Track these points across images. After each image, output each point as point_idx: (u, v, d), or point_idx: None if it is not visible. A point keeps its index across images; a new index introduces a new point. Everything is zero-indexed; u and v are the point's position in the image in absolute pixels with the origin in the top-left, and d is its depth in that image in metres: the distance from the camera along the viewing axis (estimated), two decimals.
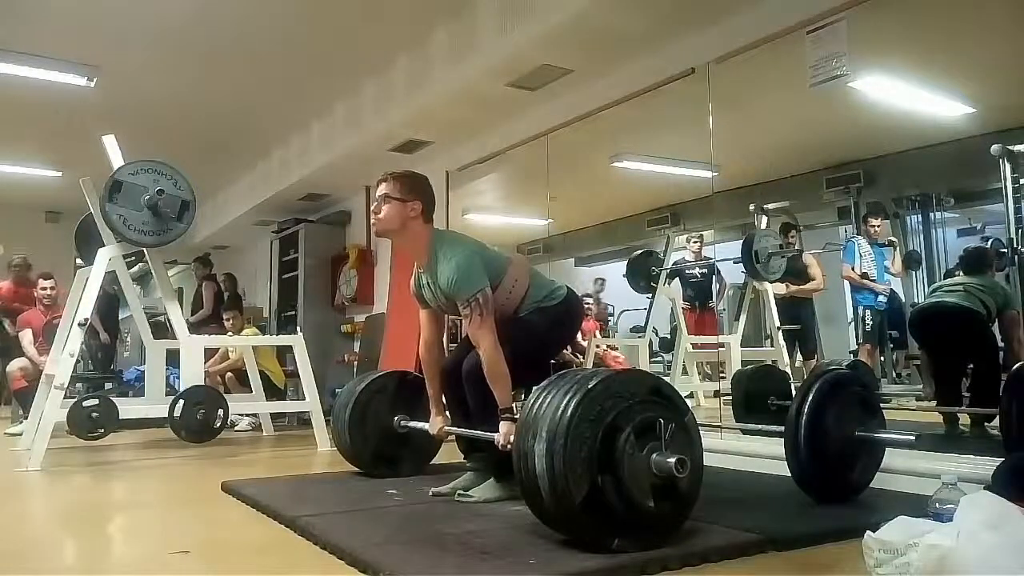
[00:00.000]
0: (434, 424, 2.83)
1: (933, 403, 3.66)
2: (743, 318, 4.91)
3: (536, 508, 1.94)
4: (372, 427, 3.10)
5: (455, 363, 2.68)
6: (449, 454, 3.35)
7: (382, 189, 2.61)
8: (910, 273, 4.43)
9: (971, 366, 3.47)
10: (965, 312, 3.35)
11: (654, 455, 1.87)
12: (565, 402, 1.86)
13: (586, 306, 6.13)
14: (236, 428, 5.62)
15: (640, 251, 5.90)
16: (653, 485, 1.86)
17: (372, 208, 2.64)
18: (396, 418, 3.11)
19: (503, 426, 2.40)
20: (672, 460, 1.84)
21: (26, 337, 5.93)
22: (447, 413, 2.83)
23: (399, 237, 2.63)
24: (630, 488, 1.83)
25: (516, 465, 1.95)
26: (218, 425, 4.30)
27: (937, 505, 1.75)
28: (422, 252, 2.61)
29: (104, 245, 4.19)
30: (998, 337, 3.39)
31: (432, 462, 3.29)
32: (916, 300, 4.33)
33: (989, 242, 3.77)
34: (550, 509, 1.87)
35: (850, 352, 4.53)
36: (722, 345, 4.96)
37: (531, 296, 2.62)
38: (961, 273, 3.65)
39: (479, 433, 2.56)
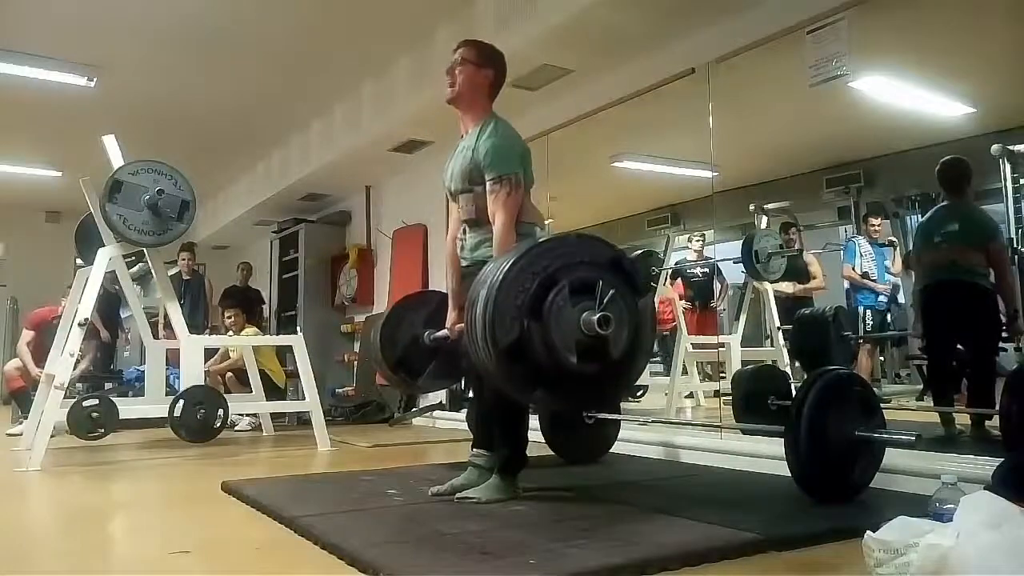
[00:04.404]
0: (450, 318, 2.78)
1: (931, 402, 3.65)
2: (743, 318, 4.90)
3: (475, 356, 1.97)
4: (403, 335, 3.19)
5: None
6: (450, 454, 3.36)
7: (459, 54, 2.60)
8: (910, 273, 4.42)
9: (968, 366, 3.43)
10: (968, 288, 3.26)
11: (584, 313, 1.88)
12: (516, 255, 1.92)
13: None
14: (236, 428, 5.62)
15: (640, 251, 5.89)
16: (580, 343, 1.87)
17: (447, 70, 2.61)
18: (427, 332, 3.12)
19: None
20: (595, 317, 1.85)
21: (24, 337, 5.90)
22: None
23: (464, 106, 2.62)
24: (555, 340, 1.85)
25: (466, 313, 1.98)
26: (218, 425, 4.30)
27: (937, 505, 1.75)
28: (475, 122, 2.61)
29: (104, 245, 4.19)
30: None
31: (432, 462, 3.28)
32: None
33: None
34: (482, 354, 1.92)
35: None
36: (722, 345, 4.96)
37: (518, 233, 2.53)
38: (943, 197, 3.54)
39: None
